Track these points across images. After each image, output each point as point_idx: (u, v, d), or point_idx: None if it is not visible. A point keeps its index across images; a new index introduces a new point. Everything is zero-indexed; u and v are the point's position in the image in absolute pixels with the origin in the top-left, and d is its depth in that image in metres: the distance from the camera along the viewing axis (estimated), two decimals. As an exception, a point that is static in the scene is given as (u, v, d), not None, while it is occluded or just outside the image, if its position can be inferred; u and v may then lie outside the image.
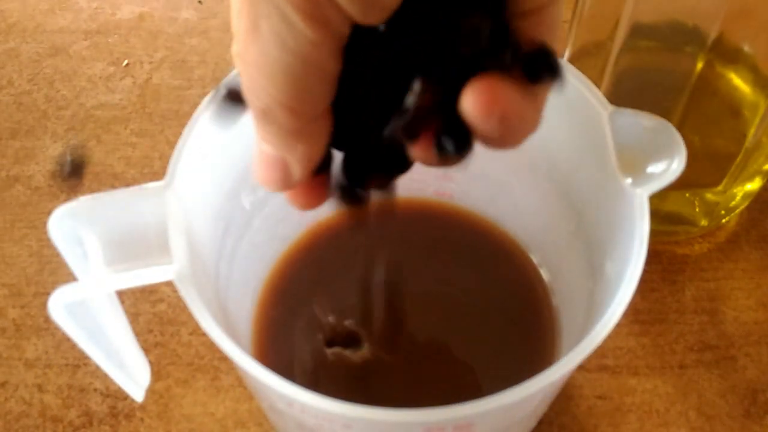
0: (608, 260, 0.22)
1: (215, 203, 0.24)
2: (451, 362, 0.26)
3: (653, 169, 0.21)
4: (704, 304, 0.31)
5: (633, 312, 0.30)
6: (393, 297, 0.27)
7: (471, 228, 0.29)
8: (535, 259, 0.28)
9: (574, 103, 0.23)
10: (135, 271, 0.19)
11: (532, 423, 0.26)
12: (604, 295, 0.21)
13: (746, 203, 0.32)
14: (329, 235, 0.29)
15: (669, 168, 0.20)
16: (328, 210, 0.29)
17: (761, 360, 0.30)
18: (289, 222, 0.28)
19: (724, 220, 0.32)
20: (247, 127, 0.24)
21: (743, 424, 0.28)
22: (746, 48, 0.27)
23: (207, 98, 0.22)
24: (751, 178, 0.30)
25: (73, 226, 0.19)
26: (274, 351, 0.26)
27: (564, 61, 0.23)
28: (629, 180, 0.21)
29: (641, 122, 0.21)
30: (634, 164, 0.21)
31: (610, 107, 0.22)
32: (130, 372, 0.22)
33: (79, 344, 0.20)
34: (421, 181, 0.29)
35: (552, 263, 0.28)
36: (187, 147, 0.22)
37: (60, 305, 0.19)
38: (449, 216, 0.29)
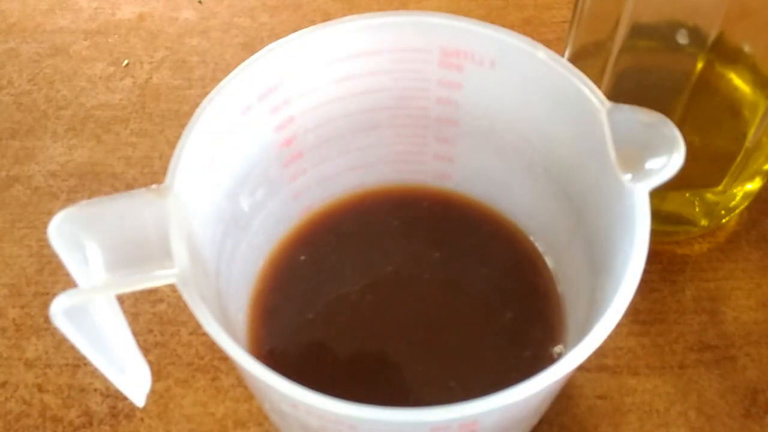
0: (609, 257, 0.22)
1: (215, 205, 0.24)
2: (457, 355, 0.26)
3: (652, 164, 0.21)
4: (704, 304, 0.31)
5: (633, 312, 0.30)
6: (393, 288, 0.27)
7: (473, 215, 0.29)
8: (540, 249, 0.28)
9: (571, 99, 0.23)
10: (137, 275, 0.19)
11: (535, 420, 0.26)
12: (605, 292, 0.21)
13: (746, 203, 0.32)
14: (325, 224, 0.29)
15: (668, 163, 0.20)
16: (323, 200, 0.29)
17: (761, 360, 0.30)
18: (287, 222, 0.28)
19: (724, 220, 0.32)
20: (244, 130, 0.24)
21: (743, 424, 0.28)
22: (746, 48, 0.27)
23: (206, 99, 0.22)
24: (751, 178, 0.30)
25: (73, 231, 0.19)
26: (270, 347, 0.26)
27: (563, 60, 0.23)
28: (629, 176, 0.21)
29: (639, 118, 0.21)
30: (633, 160, 0.21)
31: (608, 103, 0.22)
32: (131, 377, 0.22)
33: (80, 350, 0.20)
34: (420, 170, 0.29)
35: (556, 256, 0.27)
36: (186, 149, 0.22)
37: (62, 311, 0.19)
38: (450, 203, 0.29)
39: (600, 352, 0.29)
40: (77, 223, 0.20)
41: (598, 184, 0.22)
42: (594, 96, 0.22)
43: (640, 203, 0.20)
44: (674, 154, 0.20)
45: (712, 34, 0.26)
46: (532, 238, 0.28)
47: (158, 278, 0.20)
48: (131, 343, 0.22)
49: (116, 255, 0.20)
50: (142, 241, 0.20)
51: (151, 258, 0.20)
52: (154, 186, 0.21)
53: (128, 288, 0.20)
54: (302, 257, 0.28)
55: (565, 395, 0.29)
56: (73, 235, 0.19)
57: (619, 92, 0.28)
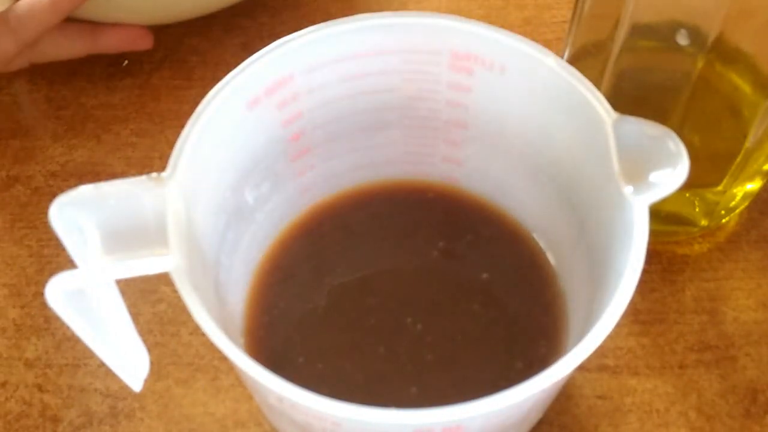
0: (607, 266, 0.22)
1: (218, 197, 0.24)
2: (457, 352, 0.26)
3: (655, 178, 0.21)
4: (704, 304, 0.31)
5: (633, 312, 0.30)
6: (395, 283, 0.27)
7: (478, 212, 0.29)
8: (543, 249, 0.28)
9: (578, 108, 0.23)
10: (133, 260, 0.19)
11: (528, 425, 0.26)
12: (600, 304, 0.21)
13: (746, 203, 0.32)
14: (329, 217, 0.29)
15: (671, 176, 0.20)
16: (328, 194, 0.29)
17: (761, 360, 0.30)
18: (292, 217, 0.29)
19: (724, 220, 0.32)
20: (250, 124, 0.24)
21: (743, 424, 0.28)
22: (746, 48, 0.27)
23: (209, 95, 0.22)
24: (751, 178, 0.30)
25: (74, 214, 0.20)
26: (268, 339, 0.26)
27: (572, 68, 0.23)
28: (630, 188, 0.21)
29: (644, 130, 0.21)
30: (636, 172, 0.21)
31: (615, 114, 0.22)
32: (129, 362, 0.22)
33: (76, 332, 0.20)
34: (428, 172, 0.29)
35: (558, 258, 0.28)
36: (190, 140, 0.22)
37: (57, 292, 0.19)
38: (455, 199, 0.29)
39: (600, 352, 0.29)
40: (78, 206, 0.20)
41: (601, 195, 0.22)
42: (600, 106, 0.22)
43: (639, 218, 0.20)
44: (678, 168, 0.20)
45: (712, 35, 0.26)
46: (541, 244, 0.28)
47: (153, 265, 0.20)
48: (130, 328, 0.22)
49: (114, 240, 0.20)
50: (141, 228, 0.20)
51: (149, 245, 0.20)
52: (154, 174, 0.21)
53: (123, 273, 0.20)
54: (303, 250, 0.28)
55: (565, 395, 0.29)
56: (73, 217, 0.20)
57: (619, 92, 0.28)
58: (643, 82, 0.29)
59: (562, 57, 0.31)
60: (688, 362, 0.29)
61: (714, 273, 0.32)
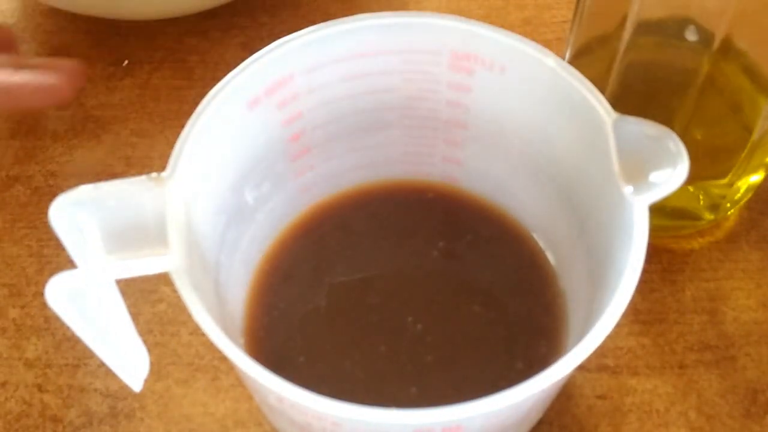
0: (607, 267, 0.22)
1: (217, 196, 0.24)
2: (457, 352, 0.26)
3: (655, 177, 0.21)
4: (704, 304, 0.31)
5: (633, 312, 0.30)
6: (395, 283, 0.27)
7: (478, 211, 0.29)
8: (543, 249, 0.28)
9: (578, 108, 0.23)
10: (133, 260, 0.20)
11: (528, 425, 0.26)
12: (600, 304, 0.21)
13: (750, 195, 0.32)
14: (329, 217, 0.29)
15: (671, 176, 0.20)
16: (328, 194, 0.29)
17: (761, 360, 0.30)
18: (292, 217, 0.29)
19: (729, 212, 0.32)
20: (250, 124, 0.24)
21: (743, 424, 0.28)
22: (752, 46, 0.27)
23: (209, 95, 0.22)
24: (755, 170, 0.30)
25: (74, 213, 0.20)
26: (268, 340, 0.26)
27: (572, 68, 0.23)
28: (630, 188, 0.21)
29: (644, 130, 0.21)
30: (636, 172, 0.21)
31: (615, 114, 0.22)
32: (129, 362, 0.22)
33: (76, 332, 0.20)
34: (428, 172, 0.29)
35: (558, 258, 0.28)
36: (190, 140, 0.22)
37: (57, 291, 0.19)
38: (455, 199, 0.29)
39: (600, 352, 0.29)
40: (78, 205, 0.20)
41: (601, 195, 0.22)
42: (600, 106, 0.22)
43: (639, 218, 0.20)
44: (678, 168, 0.20)
45: (719, 32, 0.26)
46: (541, 244, 0.28)
47: (153, 265, 0.20)
48: (130, 328, 0.22)
49: (114, 239, 0.20)
50: (141, 229, 0.20)
51: (149, 245, 0.20)
52: (154, 174, 0.21)
53: (123, 273, 0.20)
54: (303, 250, 0.28)
55: (565, 395, 0.29)
56: (73, 217, 0.20)
57: (627, 87, 0.28)
58: (650, 78, 0.29)
59: (563, 56, 0.31)
60: (688, 362, 0.29)
61: (714, 273, 0.32)
